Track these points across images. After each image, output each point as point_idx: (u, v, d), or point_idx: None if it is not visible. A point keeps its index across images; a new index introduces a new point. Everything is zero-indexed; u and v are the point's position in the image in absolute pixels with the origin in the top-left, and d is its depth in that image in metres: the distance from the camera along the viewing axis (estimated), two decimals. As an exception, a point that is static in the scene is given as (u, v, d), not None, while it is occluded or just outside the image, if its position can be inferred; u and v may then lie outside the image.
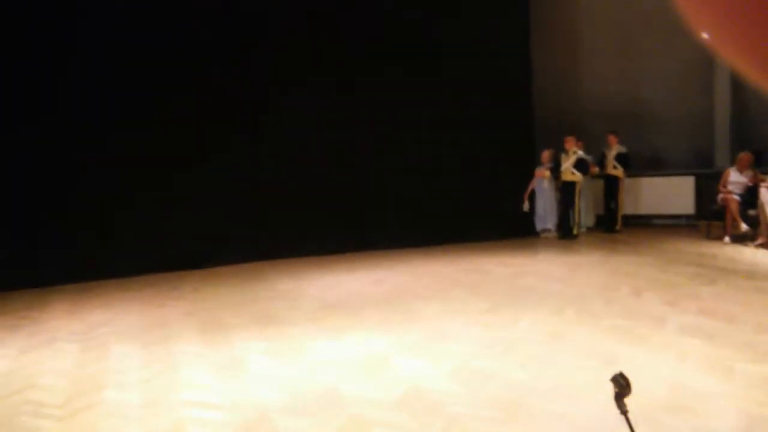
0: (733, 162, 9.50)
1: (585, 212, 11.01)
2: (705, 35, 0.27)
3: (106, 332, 5.31)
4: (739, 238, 8.81)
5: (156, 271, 8.12)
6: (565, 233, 10.39)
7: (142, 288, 7.30)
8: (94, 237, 7.88)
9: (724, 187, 9.15)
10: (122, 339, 5.07)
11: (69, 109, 7.83)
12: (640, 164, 11.21)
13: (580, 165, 10.38)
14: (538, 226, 10.78)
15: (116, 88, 8.05)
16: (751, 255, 7.90)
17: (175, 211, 8.35)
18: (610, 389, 2.11)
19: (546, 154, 10.74)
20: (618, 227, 10.92)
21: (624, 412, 2.02)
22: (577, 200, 10.37)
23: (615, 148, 10.86)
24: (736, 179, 9.09)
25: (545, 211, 10.71)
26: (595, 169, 10.84)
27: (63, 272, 7.65)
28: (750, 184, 8.92)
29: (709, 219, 9.67)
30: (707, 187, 10.50)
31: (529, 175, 10.83)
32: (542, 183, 10.69)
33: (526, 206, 10.84)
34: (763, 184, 8.58)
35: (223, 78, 8.65)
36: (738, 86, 10.30)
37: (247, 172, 8.83)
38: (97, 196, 7.94)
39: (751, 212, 8.79)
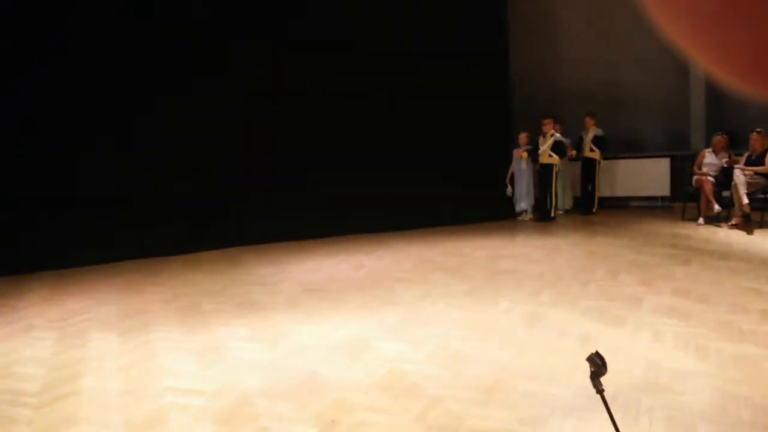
0: (708, 144, 9.62)
1: (562, 195, 11.09)
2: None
3: (84, 319, 5.27)
4: (713, 219, 8.95)
5: (135, 258, 8.05)
6: (543, 216, 10.47)
7: (121, 275, 7.24)
8: (73, 223, 7.80)
9: (699, 169, 9.26)
10: (101, 326, 5.03)
11: (47, 96, 7.71)
12: (616, 147, 11.30)
13: (557, 148, 10.44)
14: (517, 209, 10.85)
15: (94, 76, 7.93)
16: (724, 236, 8.03)
17: (153, 197, 8.28)
18: (587, 368, 2.15)
19: (523, 137, 10.78)
20: (595, 209, 11.02)
21: (600, 391, 2.06)
22: (554, 183, 10.44)
23: (592, 131, 10.93)
24: (710, 161, 9.21)
25: (523, 193, 10.77)
26: (572, 152, 10.91)
27: (41, 259, 7.57)
28: (725, 165, 9.04)
29: (684, 200, 9.79)
30: (682, 169, 10.63)
31: (507, 159, 10.88)
32: (520, 165, 10.74)
33: (509, 190, 10.91)
34: (737, 166, 8.71)
35: (201, 65, 8.55)
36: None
37: (226, 157, 8.77)
38: (76, 182, 7.86)
39: (726, 194, 8.91)
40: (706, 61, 0.26)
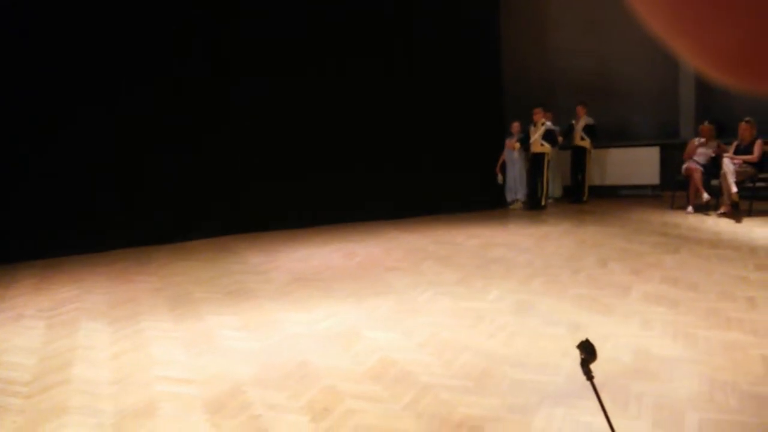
0: (697, 133, 9.65)
1: (552, 183, 11.12)
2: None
3: (74, 308, 5.25)
4: (702, 208, 9.00)
5: (125, 247, 8.02)
6: (533, 204, 10.50)
7: (111, 264, 7.21)
8: (62, 212, 7.76)
9: (690, 157, 9.28)
10: (91, 315, 5.02)
11: (36, 84, 7.64)
12: (607, 135, 11.33)
13: (548, 136, 10.46)
14: (509, 197, 10.87)
15: (81, 63, 7.86)
16: (713, 224, 8.08)
17: (144, 185, 8.26)
18: (576, 356, 2.16)
19: (516, 125, 10.80)
20: (585, 198, 11.06)
21: (590, 378, 2.07)
22: (545, 171, 10.46)
23: (583, 120, 10.96)
24: (700, 150, 9.25)
25: (515, 181, 10.79)
26: (560, 139, 10.93)
27: (30, 248, 7.53)
28: (713, 154, 9.08)
29: (673, 189, 9.84)
30: (672, 157, 10.66)
31: (499, 148, 10.89)
32: (512, 154, 10.75)
33: (500, 178, 10.93)
34: (726, 155, 8.75)
35: (189, 54, 8.50)
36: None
37: (217, 145, 8.73)
38: (65, 171, 7.81)
39: (714, 182, 8.96)
40: (689, 53, 0.26)
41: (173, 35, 8.39)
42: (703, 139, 9.26)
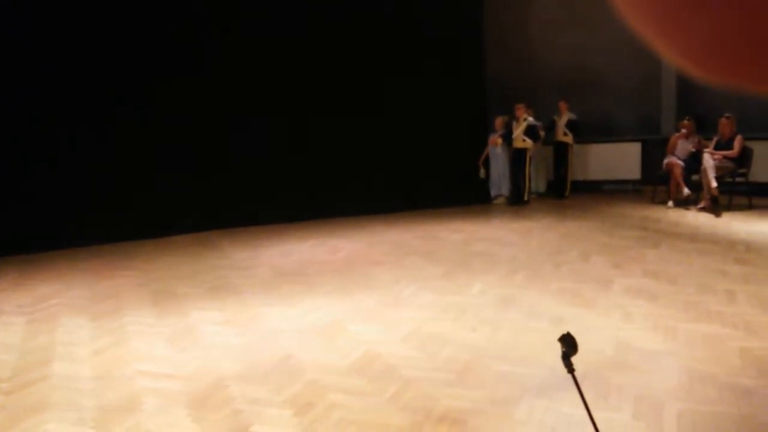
0: (677, 129, 9.75)
1: (535, 178, 11.18)
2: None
3: (54, 304, 5.20)
4: (683, 203, 9.10)
5: (106, 242, 7.94)
6: (516, 199, 10.55)
7: (92, 259, 7.14)
8: (42, 206, 7.66)
9: (673, 151, 9.36)
10: (72, 311, 4.97)
11: (22, 76, 7.53)
12: (589, 131, 11.41)
13: (530, 132, 10.51)
14: (493, 192, 10.92)
15: (69, 60, 7.77)
16: (693, 218, 8.18)
17: (126, 180, 8.17)
18: (558, 349, 2.18)
19: (499, 121, 10.84)
20: (567, 193, 11.14)
21: (571, 370, 2.09)
22: (527, 167, 10.52)
23: (565, 115, 11.03)
24: (681, 145, 9.35)
25: (499, 177, 10.84)
26: (542, 134, 11.00)
27: (10, 243, 7.43)
28: (693, 150, 9.18)
29: (654, 184, 9.94)
30: (653, 153, 10.76)
31: (483, 143, 10.92)
32: (495, 149, 10.80)
33: (482, 173, 10.97)
34: (706, 150, 8.85)
35: (178, 51, 8.42)
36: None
37: (200, 140, 8.67)
38: (47, 164, 7.72)
39: (695, 177, 9.06)
40: (666, 49, 0.27)
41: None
42: (684, 130, 9.35)
